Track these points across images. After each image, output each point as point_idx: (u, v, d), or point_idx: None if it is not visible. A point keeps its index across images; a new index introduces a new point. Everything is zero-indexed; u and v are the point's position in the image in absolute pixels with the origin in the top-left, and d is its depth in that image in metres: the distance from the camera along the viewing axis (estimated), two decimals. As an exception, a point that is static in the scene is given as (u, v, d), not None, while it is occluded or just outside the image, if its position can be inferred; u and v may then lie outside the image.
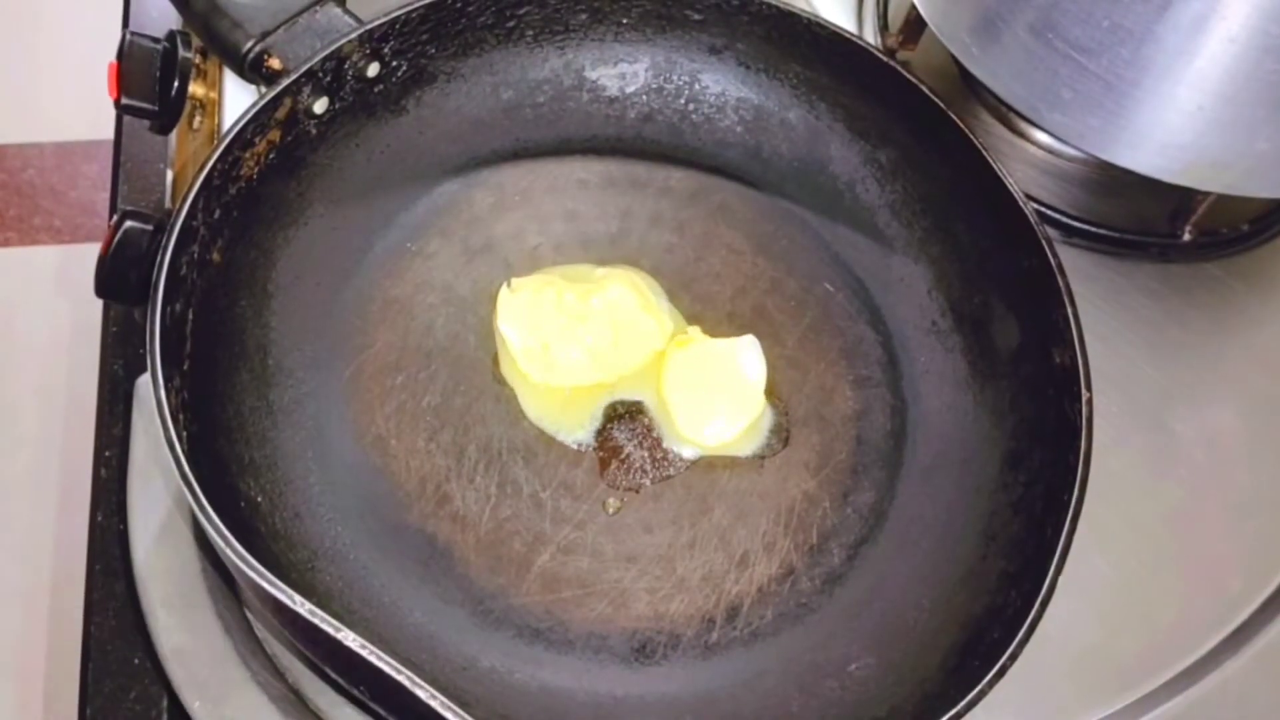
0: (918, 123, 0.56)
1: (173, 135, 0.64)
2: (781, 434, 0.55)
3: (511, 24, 0.58)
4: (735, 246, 0.59)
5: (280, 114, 0.52)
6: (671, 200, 0.61)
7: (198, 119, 0.63)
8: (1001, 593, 0.48)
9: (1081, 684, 0.52)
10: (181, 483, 0.43)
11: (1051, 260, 0.51)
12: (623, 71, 0.61)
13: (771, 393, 0.56)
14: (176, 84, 0.60)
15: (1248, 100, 0.50)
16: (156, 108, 0.61)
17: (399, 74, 0.56)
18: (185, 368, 0.47)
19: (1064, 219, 0.63)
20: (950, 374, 0.55)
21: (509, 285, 0.56)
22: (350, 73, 0.54)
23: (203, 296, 0.49)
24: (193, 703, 0.45)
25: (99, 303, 0.61)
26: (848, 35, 0.57)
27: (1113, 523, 0.54)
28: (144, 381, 0.51)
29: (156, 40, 0.61)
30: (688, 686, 0.49)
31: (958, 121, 0.54)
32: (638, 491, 0.53)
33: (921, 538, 0.52)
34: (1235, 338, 0.62)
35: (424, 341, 0.55)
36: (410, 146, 0.58)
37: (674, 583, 0.51)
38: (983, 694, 0.44)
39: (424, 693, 0.39)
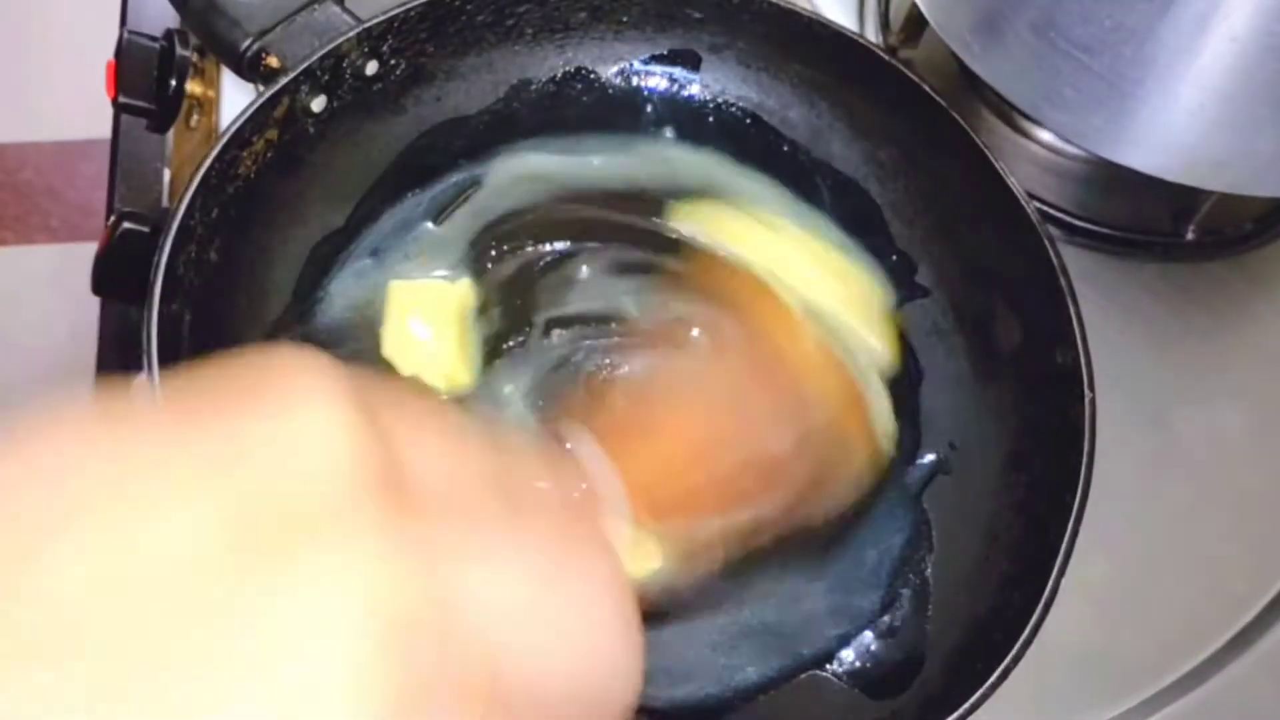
0: (919, 121, 0.56)
1: (170, 134, 0.64)
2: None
3: (511, 22, 0.58)
4: (736, 246, 0.59)
5: (278, 112, 0.52)
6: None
7: (195, 117, 0.62)
8: (1003, 594, 0.48)
9: (1084, 686, 0.52)
10: (178, 484, 0.42)
11: (1054, 259, 0.51)
12: (623, 69, 0.60)
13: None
14: (174, 82, 0.60)
15: (1251, 99, 0.50)
16: (154, 106, 0.61)
17: (398, 72, 0.56)
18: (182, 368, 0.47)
19: (1066, 218, 0.63)
20: (952, 374, 0.55)
21: None
22: (349, 71, 0.54)
23: (200, 296, 0.49)
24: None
25: (96, 303, 0.61)
26: (849, 34, 0.57)
27: (1116, 524, 0.54)
28: (141, 382, 0.50)
29: (154, 39, 0.61)
30: (689, 689, 0.49)
31: (959, 120, 0.54)
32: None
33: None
34: (1239, 337, 0.62)
35: (423, 341, 0.55)
36: (409, 145, 0.58)
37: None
38: (985, 697, 0.43)
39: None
